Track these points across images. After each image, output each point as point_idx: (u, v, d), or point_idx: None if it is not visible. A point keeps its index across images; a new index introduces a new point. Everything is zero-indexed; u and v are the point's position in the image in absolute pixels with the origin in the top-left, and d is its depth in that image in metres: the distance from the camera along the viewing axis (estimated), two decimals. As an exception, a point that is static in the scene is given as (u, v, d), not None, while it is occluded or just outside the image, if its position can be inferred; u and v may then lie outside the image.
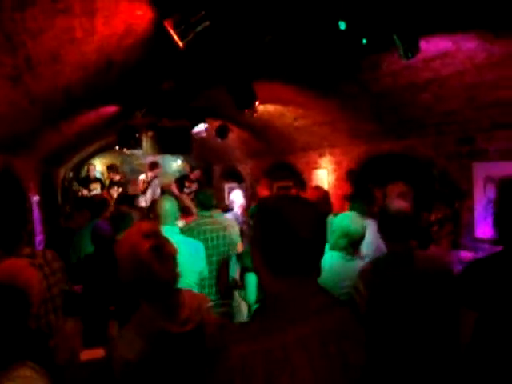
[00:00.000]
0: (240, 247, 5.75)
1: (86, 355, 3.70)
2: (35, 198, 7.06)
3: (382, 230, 3.21)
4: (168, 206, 4.57)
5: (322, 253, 1.61)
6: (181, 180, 12.03)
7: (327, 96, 6.07)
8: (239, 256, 5.16)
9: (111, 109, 6.52)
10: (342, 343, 1.53)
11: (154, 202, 5.08)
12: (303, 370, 1.43)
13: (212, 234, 5.23)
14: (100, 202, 6.68)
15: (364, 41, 3.07)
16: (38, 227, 7.11)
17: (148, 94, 5.89)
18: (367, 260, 3.78)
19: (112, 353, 2.36)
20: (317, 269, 1.61)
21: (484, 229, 4.91)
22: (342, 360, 1.52)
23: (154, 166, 11.73)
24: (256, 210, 1.77)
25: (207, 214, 5.40)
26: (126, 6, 2.81)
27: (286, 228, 1.54)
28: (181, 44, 2.95)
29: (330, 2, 2.89)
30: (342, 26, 2.94)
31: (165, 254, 2.42)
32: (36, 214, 7.02)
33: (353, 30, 2.98)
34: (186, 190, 11.52)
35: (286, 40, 3.95)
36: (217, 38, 3.84)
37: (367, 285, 3.03)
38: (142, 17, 3.11)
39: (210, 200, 5.52)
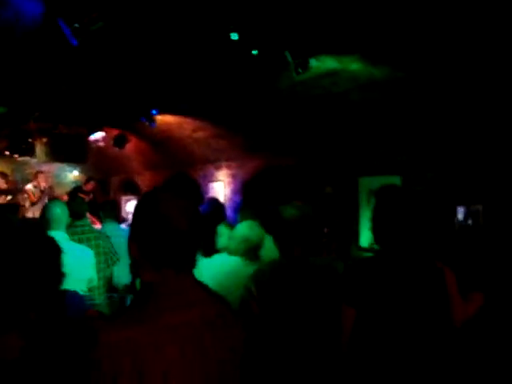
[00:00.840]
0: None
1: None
2: None
3: (275, 235, 3.32)
4: (58, 210, 4.42)
5: (197, 247, 1.66)
6: (74, 192, 11.49)
7: (224, 109, 6.19)
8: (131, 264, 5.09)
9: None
10: (218, 337, 1.57)
11: (43, 206, 4.87)
12: (175, 360, 1.45)
13: (89, 243, 5.05)
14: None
15: (254, 52, 3.21)
16: None
17: (41, 96, 5.70)
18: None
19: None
20: (193, 262, 1.65)
21: (366, 238, 5.22)
22: (217, 354, 1.55)
23: (37, 174, 11.20)
24: (136, 203, 1.80)
25: (81, 223, 5.24)
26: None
27: (162, 219, 1.58)
28: (75, 42, 2.93)
29: (223, 12, 3.00)
30: (235, 36, 3.06)
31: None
32: None
33: (245, 41, 3.10)
34: None
35: (180, 49, 4.02)
36: (112, 41, 3.83)
37: (257, 285, 3.12)
38: (31, 7, 3.02)
39: (82, 208, 5.38)
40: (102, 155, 10.84)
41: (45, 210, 4.51)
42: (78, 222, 5.14)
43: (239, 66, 4.21)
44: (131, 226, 1.75)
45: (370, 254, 5.03)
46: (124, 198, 12.06)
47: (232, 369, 1.62)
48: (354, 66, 4.09)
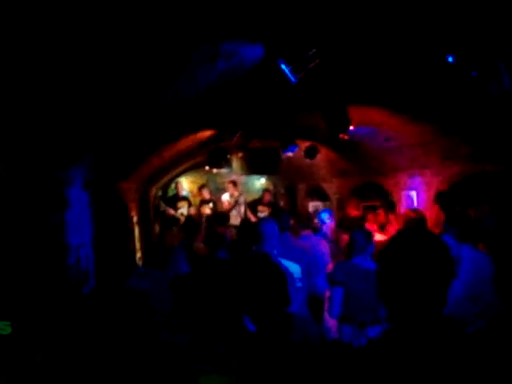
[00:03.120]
0: (330, 267, 5.87)
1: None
2: (135, 218, 7.48)
3: None
4: (269, 227, 4.72)
5: (439, 287, 1.67)
6: (253, 204, 12.07)
7: (420, 118, 6.07)
8: (328, 274, 5.32)
9: (207, 133, 6.82)
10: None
11: (256, 223, 5.27)
12: None
13: (297, 255, 5.31)
14: (193, 224, 7.01)
15: (473, 73, 3.13)
16: (137, 245, 7.53)
17: (245, 119, 6.12)
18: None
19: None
20: (438, 303, 1.66)
21: None
22: None
23: (229, 183, 12.11)
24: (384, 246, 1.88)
25: (286, 235, 5.58)
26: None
27: (400, 261, 1.66)
28: (293, 80, 3.12)
29: (439, 35, 2.98)
30: (450, 59, 3.02)
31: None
32: (136, 232, 7.44)
33: (462, 63, 3.05)
34: (259, 215, 11.46)
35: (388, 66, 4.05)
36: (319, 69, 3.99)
37: None
38: (253, 53, 3.30)
39: (287, 222, 5.74)
40: (290, 164, 11.24)
41: (257, 227, 4.86)
42: (285, 234, 5.52)
43: (448, 80, 4.12)
44: (380, 264, 1.85)
45: None
46: (311, 203, 12.42)
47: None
48: None
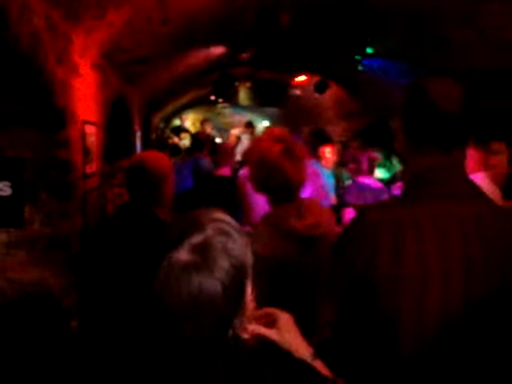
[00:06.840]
0: (333, 199, 5.84)
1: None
2: (138, 133, 7.39)
3: None
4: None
5: (466, 130, 1.61)
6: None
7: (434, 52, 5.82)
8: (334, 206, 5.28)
9: (219, 50, 6.59)
10: (484, 235, 1.47)
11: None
12: (432, 244, 1.47)
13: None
14: (200, 141, 6.96)
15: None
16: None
17: (258, 34, 5.89)
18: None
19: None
20: (462, 147, 1.61)
21: None
22: (481, 252, 1.46)
23: (249, 125, 11.94)
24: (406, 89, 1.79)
25: None
26: None
27: (426, 100, 1.57)
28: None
29: None
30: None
31: (295, 156, 2.48)
32: (138, 146, 7.37)
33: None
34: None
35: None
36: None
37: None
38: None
39: None
40: (297, 105, 11.00)
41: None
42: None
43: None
44: (402, 115, 1.74)
45: None
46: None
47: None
48: None
